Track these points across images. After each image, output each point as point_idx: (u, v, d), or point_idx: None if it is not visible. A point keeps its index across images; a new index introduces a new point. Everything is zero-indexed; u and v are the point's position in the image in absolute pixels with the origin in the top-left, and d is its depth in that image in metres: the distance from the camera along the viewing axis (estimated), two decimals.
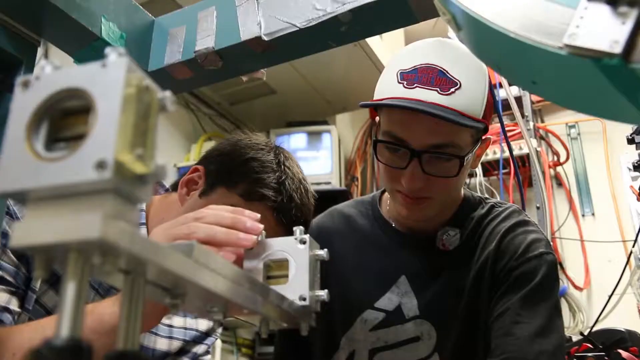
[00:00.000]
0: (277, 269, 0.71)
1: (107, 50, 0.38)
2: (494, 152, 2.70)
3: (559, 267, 2.50)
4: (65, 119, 0.38)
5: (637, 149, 1.43)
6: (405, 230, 1.15)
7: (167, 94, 0.39)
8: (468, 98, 0.97)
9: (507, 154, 2.63)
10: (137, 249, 0.37)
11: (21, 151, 0.36)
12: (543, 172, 2.63)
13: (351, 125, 3.35)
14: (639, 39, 0.47)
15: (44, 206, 0.36)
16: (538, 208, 2.52)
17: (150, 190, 0.38)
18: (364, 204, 1.25)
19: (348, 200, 1.36)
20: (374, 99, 1.04)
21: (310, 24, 0.80)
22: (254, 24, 0.84)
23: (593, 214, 2.62)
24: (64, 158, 0.35)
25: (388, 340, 1.12)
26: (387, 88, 1.00)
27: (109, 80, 0.37)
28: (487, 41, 0.62)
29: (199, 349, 1.23)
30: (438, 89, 0.95)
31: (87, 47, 0.84)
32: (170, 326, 1.16)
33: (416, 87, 0.96)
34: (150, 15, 0.93)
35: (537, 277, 1.03)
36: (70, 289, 0.35)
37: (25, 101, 0.38)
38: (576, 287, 2.51)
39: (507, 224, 1.10)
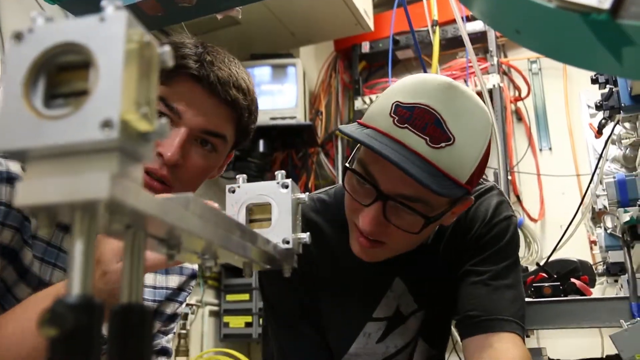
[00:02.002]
0: (260, 212, 0.71)
1: (104, 3, 0.37)
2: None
3: (515, 198, 2.61)
4: (61, 74, 0.37)
5: (599, 89, 1.47)
6: None
7: (167, 48, 0.39)
8: (457, 158, 0.88)
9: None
10: (142, 206, 0.37)
11: (20, 109, 0.36)
12: (504, 107, 2.68)
13: (315, 58, 3.30)
14: None
15: (46, 165, 0.36)
16: (490, 139, 2.57)
17: (152, 148, 0.38)
18: (330, 210, 1.13)
19: (309, 200, 1.08)
20: (364, 120, 0.96)
21: None
22: None
23: (550, 149, 2.71)
24: (66, 116, 0.35)
25: (398, 344, 1.14)
26: (378, 117, 0.92)
27: (109, 35, 0.36)
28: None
29: (172, 307, 1.18)
30: (427, 139, 0.86)
31: None
32: None
33: (406, 128, 0.87)
34: None
35: (503, 240, 1.08)
36: (78, 248, 0.35)
37: (19, 55, 0.37)
38: (531, 219, 2.62)
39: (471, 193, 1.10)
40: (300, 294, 1.10)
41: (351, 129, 0.93)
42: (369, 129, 0.91)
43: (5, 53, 0.38)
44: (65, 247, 0.88)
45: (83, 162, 0.35)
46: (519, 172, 2.70)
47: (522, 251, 2.56)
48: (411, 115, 0.88)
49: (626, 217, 1.24)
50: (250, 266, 0.68)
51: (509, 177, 2.59)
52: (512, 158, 2.68)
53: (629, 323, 1.12)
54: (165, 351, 1.17)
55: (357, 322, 1.12)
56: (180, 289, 1.19)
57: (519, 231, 1.16)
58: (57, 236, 0.88)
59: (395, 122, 0.88)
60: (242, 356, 2.39)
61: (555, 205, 2.61)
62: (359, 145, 0.97)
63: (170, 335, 1.21)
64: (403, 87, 0.93)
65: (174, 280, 1.18)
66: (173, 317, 1.20)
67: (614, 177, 1.24)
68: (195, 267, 1.22)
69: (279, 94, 2.81)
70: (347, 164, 0.97)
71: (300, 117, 2.77)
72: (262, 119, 2.78)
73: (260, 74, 2.84)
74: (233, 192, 0.72)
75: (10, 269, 0.86)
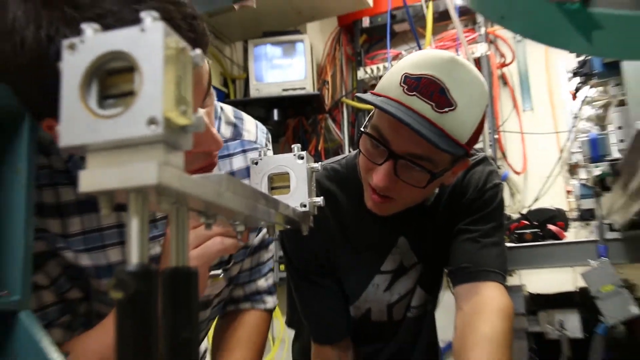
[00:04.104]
0: (279, 181, 0.73)
1: (142, 14, 0.38)
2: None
3: (501, 154, 2.60)
4: (110, 78, 0.39)
5: (576, 57, 1.46)
6: None
7: (198, 51, 0.40)
8: (458, 121, 0.89)
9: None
10: (184, 187, 0.39)
11: (78, 109, 0.37)
12: (491, 73, 2.65)
13: (320, 32, 3.25)
14: None
15: (103, 156, 0.37)
16: (487, 105, 2.56)
17: (190, 138, 0.39)
18: (343, 178, 1.13)
19: (322, 169, 1.08)
20: (376, 90, 0.97)
21: None
22: None
23: (532, 109, 2.69)
24: (118, 115, 0.36)
25: (401, 292, 1.17)
26: (389, 86, 0.93)
27: (149, 44, 0.37)
28: None
29: (252, 237, 1.06)
30: (433, 104, 0.88)
31: None
32: None
33: (415, 95, 0.88)
34: None
35: (492, 205, 1.10)
36: (134, 224, 0.37)
37: (74, 63, 0.38)
38: (515, 172, 2.62)
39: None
40: (317, 250, 1.11)
41: (367, 96, 0.95)
42: (382, 97, 0.92)
43: (62, 61, 0.39)
44: (105, 224, 0.83)
45: (134, 153, 0.37)
46: (504, 132, 2.69)
47: (507, 201, 2.58)
48: (418, 84, 0.89)
49: (597, 171, 1.25)
50: (273, 227, 0.71)
51: (496, 136, 2.59)
52: (498, 119, 2.67)
53: (596, 262, 1.15)
54: (269, 291, 1.10)
55: (367, 275, 1.15)
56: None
57: (503, 185, 1.17)
58: (90, 221, 0.82)
59: (405, 90, 0.89)
60: None
61: (536, 160, 2.60)
62: (371, 113, 0.99)
63: (268, 273, 1.11)
64: (411, 61, 0.93)
65: None
66: (260, 246, 1.09)
67: (588, 136, 1.24)
68: None
69: (289, 68, 2.79)
70: (362, 129, 0.99)
71: (309, 87, 2.76)
72: (275, 90, 2.78)
73: (271, 50, 2.81)
74: (256, 163, 0.74)
75: (69, 281, 0.84)
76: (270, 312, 1.11)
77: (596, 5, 0.49)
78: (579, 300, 1.38)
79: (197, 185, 0.41)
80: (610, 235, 1.26)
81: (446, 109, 0.88)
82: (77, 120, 0.37)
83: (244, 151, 0.99)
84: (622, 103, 1.16)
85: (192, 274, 0.42)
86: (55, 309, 0.82)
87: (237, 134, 0.99)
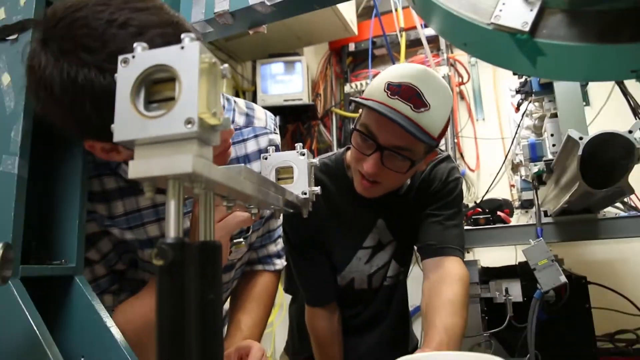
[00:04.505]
0: (285, 173, 0.73)
1: (183, 35, 0.38)
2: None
3: (459, 155, 2.61)
4: (155, 85, 0.39)
5: (518, 78, 1.46)
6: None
7: (226, 65, 0.40)
8: (432, 119, 0.91)
9: None
10: (213, 176, 0.39)
11: (129, 111, 0.37)
12: (452, 90, 2.66)
13: (315, 54, 3.24)
14: (541, 22, 0.49)
15: (148, 149, 0.37)
16: (452, 107, 2.57)
17: (219, 136, 0.39)
18: (331, 170, 1.13)
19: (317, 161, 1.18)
20: (364, 95, 0.97)
21: None
22: None
23: (484, 119, 2.69)
24: (161, 116, 0.36)
25: (379, 264, 1.16)
26: (375, 92, 0.94)
27: (188, 59, 0.37)
28: (432, 13, 0.62)
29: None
30: (412, 105, 0.89)
31: None
32: None
33: (397, 99, 0.90)
34: None
35: (453, 194, 1.10)
36: (172, 205, 0.37)
37: (126, 74, 0.38)
38: (470, 170, 2.63)
39: (432, 161, 1.13)
40: (311, 230, 1.11)
41: (359, 100, 0.96)
42: (370, 100, 0.93)
43: (118, 72, 0.39)
44: (142, 206, 0.81)
45: (174, 147, 0.37)
46: (462, 137, 2.70)
47: (464, 193, 2.60)
48: (399, 90, 0.91)
49: (535, 169, 1.26)
50: (280, 211, 0.71)
51: (455, 140, 2.60)
52: (457, 126, 2.67)
53: (534, 241, 1.16)
54: (278, 255, 1.08)
55: (352, 250, 1.15)
56: None
57: (462, 179, 1.17)
58: (131, 203, 0.80)
59: (389, 95, 0.91)
60: None
61: (486, 159, 2.62)
62: (360, 114, 1.00)
63: (277, 239, 1.08)
64: (393, 72, 0.95)
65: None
66: (270, 216, 1.05)
67: (528, 141, 1.26)
68: None
69: (290, 82, 2.77)
70: (353, 127, 0.99)
71: (305, 99, 2.75)
72: (278, 101, 2.77)
73: (276, 68, 2.80)
74: (266, 159, 0.74)
75: (117, 256, 0.83)
76: (278, 272, 1.08)
77: (542, 36, 0.49)
78: (520, 272, 1.39)
79: (223, 174, 0.41)
80: (545, 220, 1.27)
81: (422, 109, 0.90)
82: (128, 120, 0.37)
83: (256, 136, 0.96)
84: (554, 115, 1.17)
85: (217, 246, 0.43)
86: (106, 279, 0.81)
87: (249, 122, 0.97)
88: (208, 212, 0.43)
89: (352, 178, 1.06)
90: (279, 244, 1.09)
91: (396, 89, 0.91)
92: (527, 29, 0.49)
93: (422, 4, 0.61)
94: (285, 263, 1.11)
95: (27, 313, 0.58)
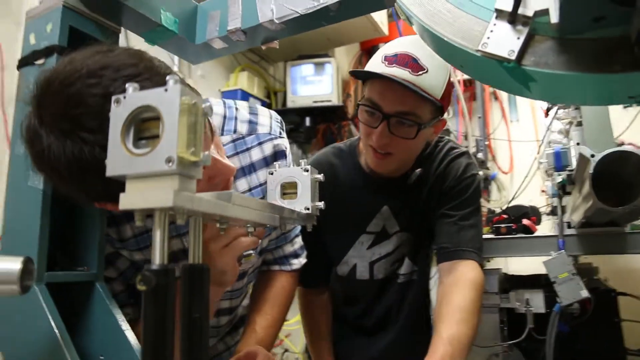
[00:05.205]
0: (289, 188, 0.75)
1: (168, 77, 0.41)
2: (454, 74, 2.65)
3: (492, 157, 2.56)
4: (144, 123, 0.42)
5: None
6: (378, 177, 1.12)
7: (208, 103, 0.43)
8: (431, 81, 0.93)
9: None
10: (196, 207, 0.42)
11: (119, 148, 0.41)
12: (483, 90, 2.60)
13: (346, 55, 3.25)
14: (530, 49, 0.49)
15: (137, 183, 0.40)
16: (480, 117, 2.51)
17: (201, 170, 0.42)
18: (344, 155, 1.16)
19: (331, 147, 1.21)
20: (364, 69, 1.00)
21: (309, 11, 0.79)
22: (268, 10, 0.83)
23: (518, 120, 2.62)
24: (146, 154, 0.40)
25: (381, 252, 1.15)
26: (373, 64, 0.97)
27: (170, 100, 0.40)
28: (426, 36, 0.62)
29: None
30: (410, 70, 0.92)
31: (152, 30, 0.84)
32: None
33: (394, 66, 0.93)
34: (195, 2, 0.92)
35: (468, 192, 1.08)
36: (158, 235, 0.40)
37: (118, 113, 0.41)
38: (503, 172, 2.57)
39: (448, 156, 1.11)
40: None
41: (359, 71, 1.02)
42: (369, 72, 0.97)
43: (111, 112, 0.42)
44: (150, 226, 0.78)
45: (158, 182, 0.40)
46: (495, 139, 2.63)
47: (495, 196, 2.53)
48: (396, 59, 0.94)
49: (559, 179, 1.22)
50: (284, 225, 0.73)
51: (487, 142, 2.54)
52: (489, 127, 2.61)
53: (555, 253, 1.13)
54: (295, 254, 1.06)
55: (355, 233, 1.14)
56: None
57: (479, 176, 1.14)
58: (139, 226, 0.74)
59: (386, 65, 0.95)
60: None
61: (521, 162, 2.55)
62: (363, 92, 1.02)
63: (294, 238, 1.06)
64: (387, 46, 0.99)
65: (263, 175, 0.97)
66: None
67: (553, 150, 1.22)
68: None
69: (319, 84, 2.80)
70: (358, 103, 1.02)
71: (334, 100, 2.76)
72: (307, 102, 2.80)
73: (306, 70, 2.83)
74: (272, 174, 0.76)
75: (134, 272, 0.85)
76: (296, 272, 1.07)
77: (529, 64, 0.49)
78: (544, 283, 1.36)
79: (207, 204, 0.44)
80: (568, 231, 1.23)
81: (420, 72, 0.92)
82: (118, 156, 0.41)
83: (260, 143, 0.95)
84: (580, 124, 1.13)
85: (205, 269, 0.46)
86: (124, 295, 0.84)
87: (252, 129, 0.95)
88: (197, 237, 0.47)
89: (363, 164, 1.07)
90: (296, 244, 1.08)
91: (393, 59, 0.94)
92: (513, 57, 0.48)
93: (417, 27, 0.61)
94: (303, 262, 1.09)
95: (49, 315, 0.64)
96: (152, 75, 0.55)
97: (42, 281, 0.66)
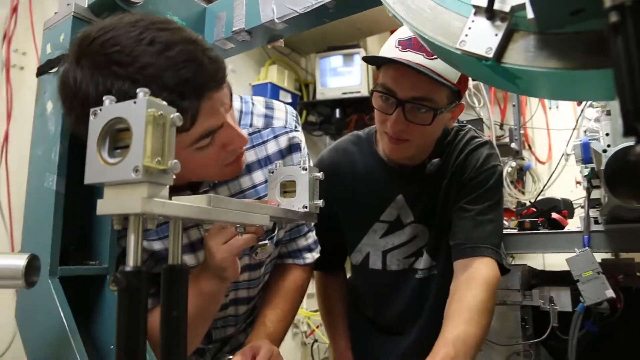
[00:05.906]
0: (289, 186, 0.76)
1: (138, 90, 0.43)
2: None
3: (528, 147, 2.45)
4: (119, 134, 0.44)
5: None
6: (394, 165, 1.10)
7: (177, 114, 0.44)
8: (447, 65, 0.86)
9: None
10: (167, 211, 0.44)
11: (95, 158, 0.43)
12: None
13: (378, 44, 3.20)
14: (510, 45, 0.47)
15: (112, 190, 0.43)
16: (514, 105, 2.41)
17: (171, 177, 0.44)
18: (362, 142, 1.15)
19: (350, 135, 1.21)
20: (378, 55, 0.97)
21: (307, 10, 0.79)
22: (269, 10, 0.84)
23: (557, 107, 2.49)
24: (117, 164, 0.42)
25: (395, 242, 1.13)
26: (387, 50, 0.95)
27: (137, 112, 0.42)
28: (416, 35, 0.61)
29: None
30: (424, 54, 0.89)
31: None
32: None
33: (408, 51, 0.91)
34: (202, 4, 0.94)
35: (488, 184, 1.03)
36: (132, 238, 0.43)
37: (95, 125, 0.44)
38: (541, 162, 2.46)
39: (469, 146, 1.07)
40: (327, 204, 0.98)
41: (373, 57, 0.97)
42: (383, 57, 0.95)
43: (89, 124, 0.45)
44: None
45: (129, 189, 0.42)
46: (532, 128, 2.52)
47: (529, 187, 2.43)
48: (410, 42, 0.92)
49: (586, 172, 1.16)
50: (281, 223, 0.75)
51: (522, 131, 2.44)
52: (524, 115, 2.50)
53: (580, 250, 1.08)
54: (308, 248, 1.06)
55: (369, 221, 1.13)
56: None
57: (501, 167, 1.09)
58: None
59: (400, 49, 0.92)
60: None
61: (560, 151, 2.43)
62: (377, 78, 1.00)
63: (308, 233, 1.05)
64: (401, 31, 0.96)
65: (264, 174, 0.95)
66: None
67: (580, 140, 1.15)
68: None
69: (348, 75, 2.78)
70: (372, 89, 0.99)
71: (363, 91, 2.74)
72: (336, 94, 2.80)
73: (335, 61, 2.82)
74: (272, 172, 0.78)
75: (154, 262, 0.86)
76: (309, 266, 1.06)
77: (509, 61, 0.47)
78: (571, 279, 1.30)
79: (180, 208, 0.46)
80: (594, 227, 1.17)
81: (435, 56, 0.88)
82: (94, 165, 0.43)
83: (276, 137, 0.95)
84: (609, 113, 1.07)
85: (183, 270, 0.48)
86: None
87: (268, 123, 0.96)
88: (176, 239, 0.49)
89: (380, 152, 1.07)
90: (310, 238, 1.06)
91: (407, 42, 0.92)
92: (490, 55, 0.47)
93: (407, 26, 0.60)
94: (316, 256, 1.08)
95: (59, 307, 0.69)
96: (180, 32, 0.62)
97: (55, 275, 0.71)
